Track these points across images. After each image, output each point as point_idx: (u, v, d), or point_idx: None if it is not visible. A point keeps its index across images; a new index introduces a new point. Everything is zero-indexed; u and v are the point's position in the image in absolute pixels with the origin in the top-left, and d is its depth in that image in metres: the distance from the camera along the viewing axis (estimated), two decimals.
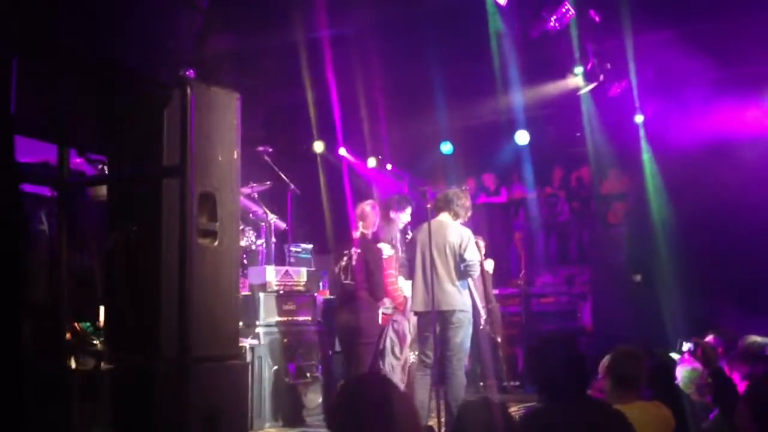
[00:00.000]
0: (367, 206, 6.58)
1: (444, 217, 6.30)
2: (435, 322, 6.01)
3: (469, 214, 6.48)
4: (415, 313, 6.34)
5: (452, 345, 6.03)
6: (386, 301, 6.81)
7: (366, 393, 2.52)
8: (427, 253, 6.09)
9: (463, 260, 6.08)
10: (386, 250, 6.76)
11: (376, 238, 6.62)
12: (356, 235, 6.48)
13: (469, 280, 7.27)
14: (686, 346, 4.73)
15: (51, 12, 2.70)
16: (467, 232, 6.21)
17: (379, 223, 6.77)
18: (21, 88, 2.55)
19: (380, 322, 6.65)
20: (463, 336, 6.10)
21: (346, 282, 6.41)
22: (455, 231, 6.18)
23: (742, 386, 4.57)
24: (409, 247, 6.49)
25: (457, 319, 6.05)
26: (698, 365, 4.85)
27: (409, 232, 7.20)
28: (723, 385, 4.33)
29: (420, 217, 6.79)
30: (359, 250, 6.37)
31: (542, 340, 3.38)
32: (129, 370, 3.43)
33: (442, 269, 6.08)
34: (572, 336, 3.30)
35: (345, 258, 6.46)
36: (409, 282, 6.79)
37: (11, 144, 2.39)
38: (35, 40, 2.68)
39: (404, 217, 7.07)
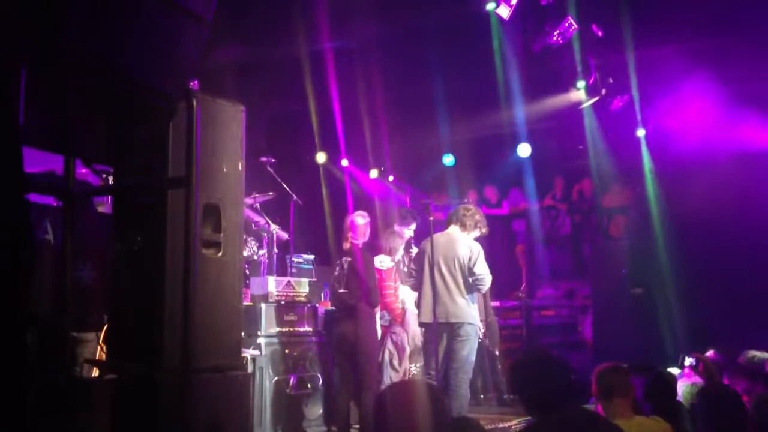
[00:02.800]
0: (357, 217, 6.58)
1: (453, 230, 6.31)
2: (438, 334, 6.02)
3: (483, 229, 6.43)
4: (422, 324, 6.34)
5: (458, 358, 6.03)
6: (384, 313, 6.82)
7: (392, 402, 2.54)
8: (434, 265, 6.11)
9: (472, 274, 6.08)
10: (386, 262, 6.77)
11: (371, 248, 6.63)
12: (346, 245, 6.49)
13: None
14: (688, 361, 4.73)
15: (58, 24, 2.73)
16: (477, 246, 6.21)
17: (381, 234, 6.79)
18: (29, 99, 2.57)
19: (378, 330, 6.65)
20: (469, 350, 6.09)
21: (341, 291, 6.42)
22: (465, 244, 6.18)
23: None
24: (417, 258, 6.50)
25: (465, 332, 6.05)
26: (699, 380, 4.86)
27: (413, 245, 7.20)
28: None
29: (423, 229, 6.81)
30: (349, 259, 6.38)
31: (526, 356, 3.37)
32: (131, 380, 3.43)
33: (451, 282, 6.09)
34: (548, 350, 3.31)
35: (338, 268, 6.48)
36: (411, 291, 6.80)
37: (19, 154, 2.41)
38: (43, 52, 2.70)
39: (407, 231, 7.08)
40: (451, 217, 6.38)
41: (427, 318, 6.14)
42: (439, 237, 6.24)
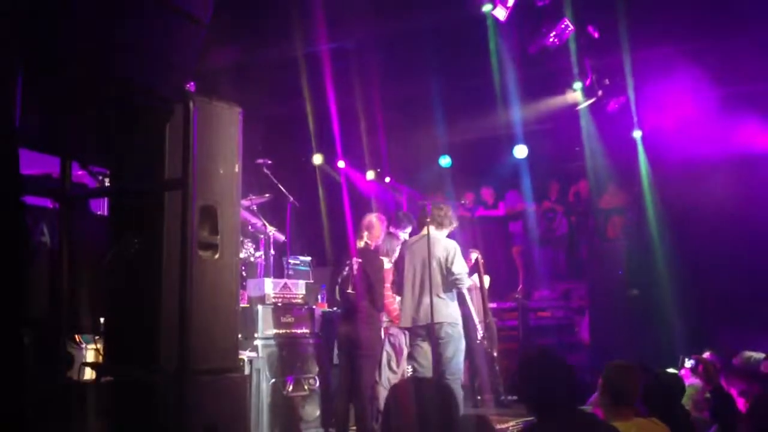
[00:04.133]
0: (374, 218, 6.56)
1: (431, 231, 6.33)
2: (420, 336, 6.08)
3: (455, 223, 6.50)
4: (404, 329, 6.39)
5: (443, 360, 6.05)
6: (382, 314, 6.81)
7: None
8: (414, 268, 6.16)
9: (451, 273, 6.11)
10: (385, 263, 6.76)
11: (377, 249, 6.62)
12: (360, 244, 6.46)
13: (466, 295, 7.28)
14: (688, 363, 4.74)
15: (55, 28, 2.72)
16: (453, 244, 6.25)
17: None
18: (25, 101, 2.56)
19: (381, 333, 6.64)
20: (453, 351, 6.09)
21: (348, 292, 6.39)
22: (441, 244, 6.21)
23: (738, 402, 4.58)
24: (397, 263, 6.52)
25: (445, 333, 6.06)
26: (696, 381, 4.86)
27: None
28: (722, 402, 4.34)
29: (420, 232, 6.81)
30: (360, 260, 6.35)
31: (530, 356, 3.37)
32: (129, 383, 3.43)
33: (427, 282, 6.11)
34: (555, 351, 3.29)
35: (347, 268, 6.44)
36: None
37: (15, 156, 2.40)
38: (40, 56, 2.70)
39: (403, 234, 7.08)
40: (422, 218, 6.38)
41: (406, 322, 6.20)
42: (415, 240, 6.28)
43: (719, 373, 4.74)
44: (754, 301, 8.25)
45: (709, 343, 6.27)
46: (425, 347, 6.15)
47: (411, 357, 6.41)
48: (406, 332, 6.93)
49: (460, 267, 6.16)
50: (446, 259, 6.13)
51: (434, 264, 6.13)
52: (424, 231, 6.31)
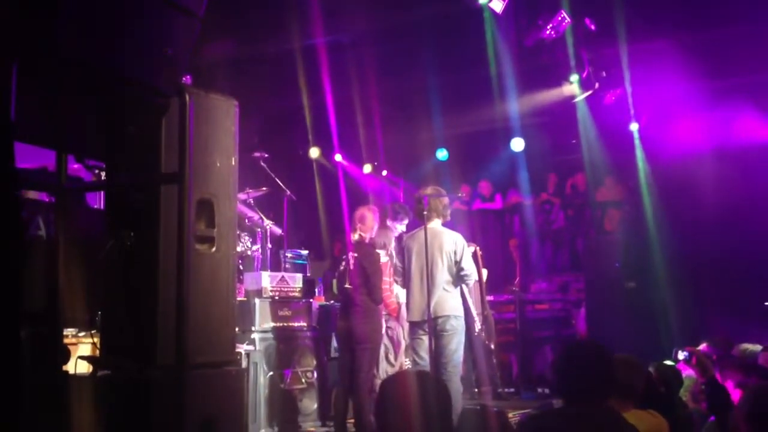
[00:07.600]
0: (367, 211, 6.54)
1: (435, 224, 6.30)
2: (432, 328, 6.03)
3: (448, 214, 6.52)
4: (411, 323, 6.35)
5: (447, 352, 6.04)
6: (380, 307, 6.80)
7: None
8: (423, 261, 6.10)
9: (461, 269, 6.11)
10: (381, 256, 6.75)
11: (372, 243, 6.61)
12: (354, 237, 6.44)
13: (464, 286, 7.29)
14: (681, 355, 4.75)
15: (50, 21, 2.71)
16: (461, 240, 6.24)
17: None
18: (21, 94, 2.55)
19: (381, 326, 6.61)
20: (457, 343, 6.10)
21: (346, 286, 6.38)
22: (449, 238, 6.20)
23: (735, 394, 4.58)
24: (403, 255, 6.50)
25: (451, 326, 6.07)
26: (692, 372, 4.87)
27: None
28: (717, 394, 4.34)
29: (416, 225, 6.80)
30: (356, 254, 6.34)
31: (573, 346, 3.36)
32: (125, 377, 3.43)
33: (437, 276, 6.10)
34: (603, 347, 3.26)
35: (343, 263, 6.44)
36: (403, 289, 6.79)
37: (11, 150, 2.39)
38: (35, 50, 2.69)
39: (400, 226, 7.08)
40: (422, 209, 6.31)
41: (414, 316, 6.16)
42: (421, 233, 6.22)
43: (714, 365, 4.74)
44: (750, 293, 8.27)
45: (706, 334, 6.28)
46: (427, 340, 6.14)
47: (412, 350, 6.39)
48: (403, 326, 6.94)
49: (468, 263, 6.17)
50: (455, 253, 6.13)
51: (443, 257, 6.13)
52: (430, 224, 6.24)
